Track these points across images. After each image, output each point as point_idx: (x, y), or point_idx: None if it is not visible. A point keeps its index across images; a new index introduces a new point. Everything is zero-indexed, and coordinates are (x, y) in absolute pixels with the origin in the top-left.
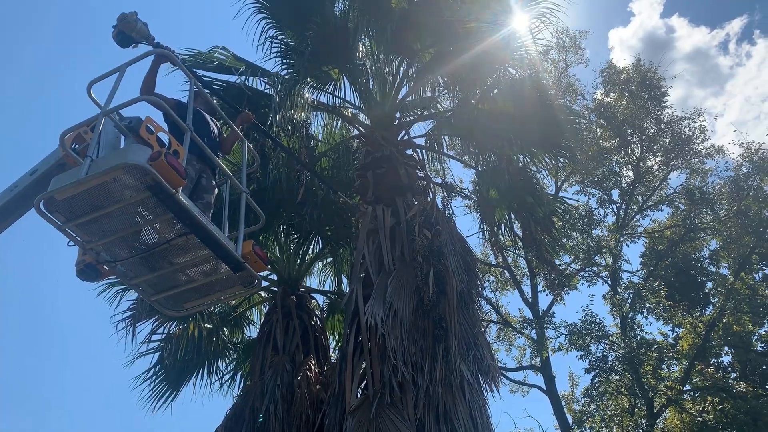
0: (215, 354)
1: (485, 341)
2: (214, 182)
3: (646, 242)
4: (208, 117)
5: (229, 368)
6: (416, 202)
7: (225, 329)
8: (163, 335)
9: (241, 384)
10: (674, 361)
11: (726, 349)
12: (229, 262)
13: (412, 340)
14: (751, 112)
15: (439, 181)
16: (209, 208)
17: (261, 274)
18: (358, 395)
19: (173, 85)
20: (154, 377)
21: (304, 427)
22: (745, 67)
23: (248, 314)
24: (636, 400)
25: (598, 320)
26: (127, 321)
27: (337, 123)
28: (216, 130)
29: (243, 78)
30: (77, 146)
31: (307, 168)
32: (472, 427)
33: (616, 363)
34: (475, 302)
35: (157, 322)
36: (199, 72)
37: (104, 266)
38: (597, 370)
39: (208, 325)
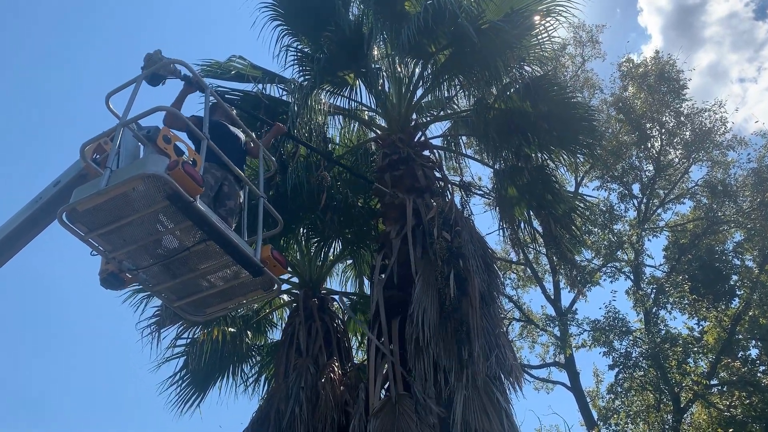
0: (239, 357)
1: (507, 341)
2: (237, 188)
3: (668, 236)
4: (232, 128)
5: (253, 371)
6: (434, 204)
7: (248, 332)
8: (188, 340)
9: (266, 386)
10: (700, 356)
11: (753, 342)
12: (248, 267)
13: (437, 342)
14: None
15: (457, 179)
16: (232, 214)
17: (281, 277)
18: (381, 396)
19: (191, 98)
20: (180, 381)
21: (329, 429)
22: None
23: (271, 317)
24: (661, 395)
25: (620, 316)
26: (152, 327)
27: (354, 126)
28: (242, 138)
29: (260, 86)
30: (98, 156)
31: (332, 161)
32: (496, 429)
33: (640, 359)
34: (496, 302)
35: (181, 328)
36: (218, 82)
37: (127, 274)
38: (621, 367)
39: (232, 329)
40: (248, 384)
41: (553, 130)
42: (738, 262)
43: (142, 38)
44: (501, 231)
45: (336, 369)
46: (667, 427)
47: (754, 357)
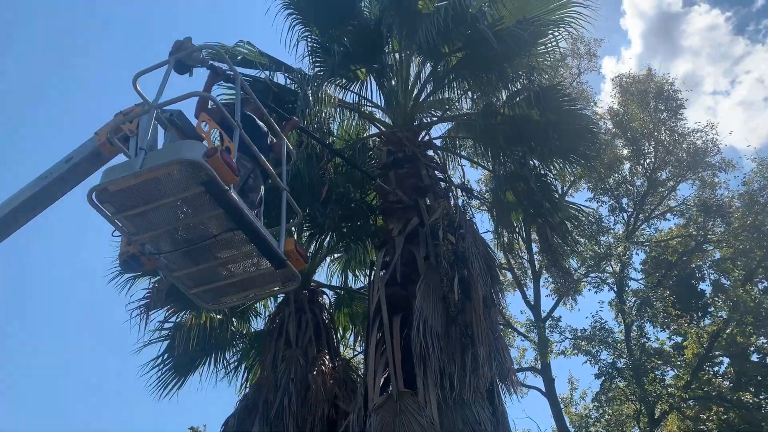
0: (222, 345)
1: (505, 344)
2: (261, 182)
3: (647, 251)
4: (260, 123)
5: (233, 359)
6: (439, 205)
7: (233, 320)
8: (173, 324)
9: (245, 375)
10: (680, 370)
11: (723, 358)
12: (272, 259)
13: (441, 350)
14: (761, 93)
15: (456, 181)
16: (254, 207)
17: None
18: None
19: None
20: (161, 365)
21: (319, 422)
22: (762, 44)
23: (255, 306)
24: (641, 406)
25: (607, 327)
26: (141, 309)
27: (353, 120)
28: (268, 135)
29: (268, 73)
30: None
31: (345, 159)
32: None
33: (625, 370)
34: (496, 306)
35: (169, 312)
36: (224, 66)
37: (148, 258)
38: (606, 376)
39: (220, 316)
40: (229, 372)
41: (555, 140)
42: (715, 278)
43: (154, 25)
44: (496, 235)
45: (327, 362)
46: None
47: (723, 372)
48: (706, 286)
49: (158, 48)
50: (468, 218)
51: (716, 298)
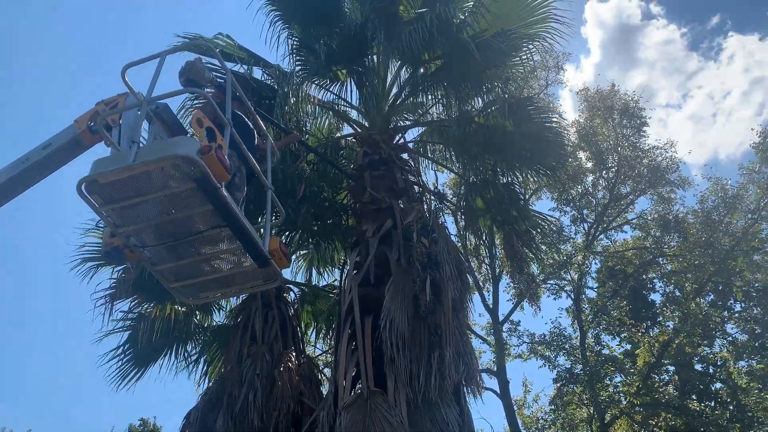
0: (184, 337)
1: (471, 347)
2: (246, 182)
3: (603, 260)
4: (248, 122)
5: (194, 351)
6: (413, 208)
7: (197, 312)
8: (135, 314)
9: (205, 368)
10: (631, 377)
11: (670, 367)
12: (256, 257)
13: (409, 349)
14: (710, 108)
15: (428, 185)
16: (238, 205)
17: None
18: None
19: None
20: (122, 355)
21: (284, 419)
22: (714, 61)
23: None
24: (594, 411)
25: (566, 333)
26: (105, 298)
27: (326, 118)
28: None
29: (247, 68)
30: (93, 125)
31: (338, 169)
32: None
33: (581, 376)
34: (466, 309)
35: (134, 301)
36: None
37: (131, 250)
38: (564, 381)
39: (183, 309)
40: (189, 364)
41: (526, 150)
42: (670, 290)
43: (132, 16)
44: (460, 239)
45: (293, 358)
46: None
47: (668, 380)
48: (657, 297)
49: (136, 40)
50: (441, 222)
51: (665, 309)
